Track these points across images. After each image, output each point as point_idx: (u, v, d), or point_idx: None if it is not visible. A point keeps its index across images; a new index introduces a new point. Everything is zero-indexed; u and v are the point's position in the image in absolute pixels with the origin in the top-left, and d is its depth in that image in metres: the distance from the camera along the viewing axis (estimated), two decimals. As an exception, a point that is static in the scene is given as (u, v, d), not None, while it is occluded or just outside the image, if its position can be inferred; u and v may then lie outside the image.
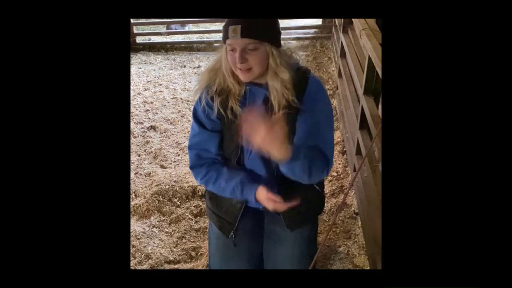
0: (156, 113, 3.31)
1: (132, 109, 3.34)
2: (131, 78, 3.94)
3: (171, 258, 1.90)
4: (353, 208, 2.15)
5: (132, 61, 4.41)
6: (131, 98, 3.52)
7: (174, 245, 1.98)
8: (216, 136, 1.33)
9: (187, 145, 1.46)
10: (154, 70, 4.23)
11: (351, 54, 2.65)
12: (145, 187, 2.40)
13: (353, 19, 2.61)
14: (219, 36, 1.19)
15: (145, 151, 2.80)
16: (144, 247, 1.97)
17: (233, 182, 1.28)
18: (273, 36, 1.17)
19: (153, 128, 3.08)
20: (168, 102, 3.50)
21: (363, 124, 2.06)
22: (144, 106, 3.42)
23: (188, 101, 3.49)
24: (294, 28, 4.85)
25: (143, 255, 1.92)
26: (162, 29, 5.18)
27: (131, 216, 2.18)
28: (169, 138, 2.95)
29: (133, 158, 2.70)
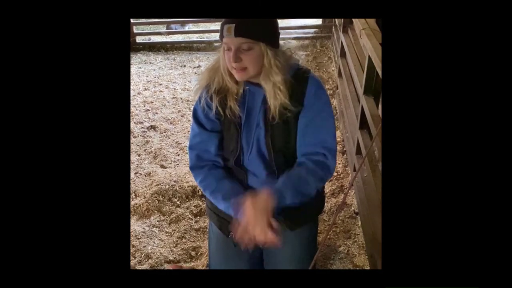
0: (156, 113, 3.31)
1: (132, 109, 3.34)
2: (131, 78, 3.94)
3: (171, 258, 1.90)
4: (353, 208, 2.15)
5: (132, 61, 4.41)
6: (131, 98, 3.52)
7: (174, 245, 1.99)
8: (216, 136, 1.33)
9: (187, 145, 1.46)
10: (154, 69, 4.23)
11: (351, 53, 2.65)
12: (145, 187, 2.40)
13: (353, 19, 2.61)
14: (219, 36, 1.19)
15: (145, 151, 2.80)
16: (144, 247, 1.97)
17: (229, 202, 1.25)
18: (269, 36, 1.16)
19: (153, 127, 3.08)
20: (168, 102, 3.50)
21: (363, 123, 2.06)
22: (144, 106, 3.42)
23: (188, 100, 3.49)
24: (294, 28, 4.84)
25: (143, 255, 1.92)
26: (162, 28, 5.18)
27: (131, 216, 2.18)
28: (169, 138, 2.95)
29: (133, 157, 2.70)
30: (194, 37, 5.09)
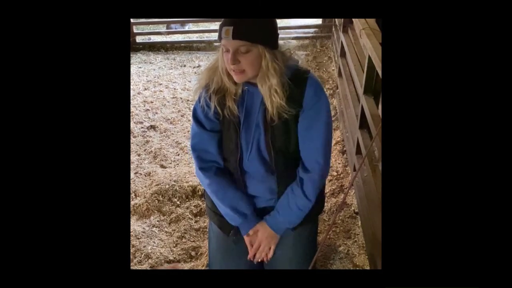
0: (156, 113, 3.31)
1: (132, 109, 3.34)
2: (131, 78, 3.94)
3: (171, 258, 1.90)
4: (353, 208, 2.15)
5: (132, 61, 4.40)
6: (131, 98, 3.51)
7: (174, 245, 1.98)
8: (216, 136, 1.33)
9: (187, 145, 1.47)
10: (154, 69, 4.22)
11: (351, 53, 2.65)
12: (145, 186, 2.39)
13: (353, 19, 2.61)
14: (217, 37, 1.19)
15: (145, 150, 2.80)
16: (144, 246, 1.97)
17: (236, 214, 1.34)
18: (267, 38, 1.16)
19: (153, 127, 3.08)
20: (168, 102, 3.49)
21: (363, 123, 2.06)
22: (144, 106, 3.42)
23: (188, 100, 3.49)
24: (294, 28, 4.84)
25: (143, 255, 1.92)
26: (162, 28, 5.17)
27: (131, 215, 2.18)
28: (169, 138, 2.95)
29: (133, 157, 2.70)
30: (194, 37, 5.08)
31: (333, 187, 2.31)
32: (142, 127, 3.09)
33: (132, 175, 2.51)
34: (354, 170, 2.23)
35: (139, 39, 4.84)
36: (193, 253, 1.93)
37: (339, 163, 2.50)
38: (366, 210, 1.88)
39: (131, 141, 2.89)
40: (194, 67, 4.25)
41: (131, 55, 4.50)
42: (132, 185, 2.41)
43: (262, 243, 1.35)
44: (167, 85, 3.82)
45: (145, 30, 5.36)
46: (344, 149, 2.60)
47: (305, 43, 4.60)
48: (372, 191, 1.82)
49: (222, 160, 1.36)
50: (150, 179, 2.45)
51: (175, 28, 5.14)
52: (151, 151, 2.77)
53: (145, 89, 3.76)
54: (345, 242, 1.95)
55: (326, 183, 2.31)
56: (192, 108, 1.36)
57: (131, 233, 2.03)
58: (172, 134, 3.01)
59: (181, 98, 3.54)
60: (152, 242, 2.01)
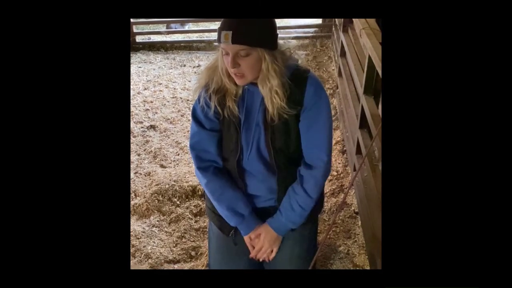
0: (156, 113, 3.31)
1: (132, 109, 3.33)
2: (131, 77, 3.94)
3: (171, 258, 1.90)
4: (353, 208, 2.15)
5: (132, 60, 4.40)
6: (131, 98, 3.51)
7: (174, 245, 1.98)
8: (215, 136, 1.32)
9: (187, 144, 1.47)
10: (154, 69, 4.22)
11: (351, 53, 2.65)
12: (145, 186, 2.39)
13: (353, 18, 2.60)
14: (216, 40, 1.18)
15: (144, 150, 2.80)
16: (144, 246, 1.97)
17: (234, 214, 1.34)
18: (266, 41, 1.15)
19: (152, 127, 3.08)
20: (168, 102, 3.49)
21: (363, 123, 2.06)
22: (144, 106, 3.42)
23: (188, 100, 3.49)
24: (294, 27, 4.84)
25: (143, 255, 1.92)
26: (162, 28, 5.17)
27: (131, 215, 2.18)
28: (168, 138, 2.95)
29: (132, 157, 2.70)
30: (194, 37, 5.08)
31: (333, 187, 2.32)
32: (142, 127, 3.09)
33: (132, 175, 2.51)
34: (354, 170, 2.23)
35: (139, 38, 4.84)
36: (193, 253, 1.93)
37: (339, 163, 2.50)
38: (366, 210, 1.88)
39: (131, 141, 2.89)
40: (194, 67, 4.25)
41: (131, 54, 4.49)
42: (132, 185, 2.41)
43: (264, 246, 1.35)
44: (167, 85, 3.82)
45: (145, 29, 5.36)
46: (344, 149, 2.60)
47: (305, 43, 4.60)
48: (372, 191, 1.82)
49: (221, 160, 1.35)
50: (150, 179, 2.45)
51: (175, 28, 5.14)
52: (151, 151, 2.77)
53: (145, 88, 3.76)
54: (345, 242, 1.95)
55: (326, 183, 2.31)
56: (191, 108, 1.35)
57: (131, 233, 2.03)
58: (172, 134, 3.01)
59: (181, 98, 3.54)
60: (152, 242, 2.01)
